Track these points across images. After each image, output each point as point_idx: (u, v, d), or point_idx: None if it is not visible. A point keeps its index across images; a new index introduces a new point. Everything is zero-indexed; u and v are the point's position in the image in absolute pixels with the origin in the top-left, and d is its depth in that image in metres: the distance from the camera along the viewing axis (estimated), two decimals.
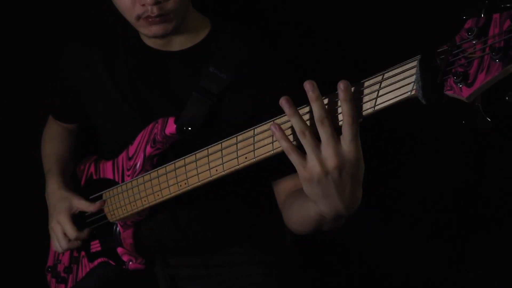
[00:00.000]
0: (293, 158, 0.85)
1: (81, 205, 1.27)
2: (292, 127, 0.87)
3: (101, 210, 1.28)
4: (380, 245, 1.62)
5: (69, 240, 1.28)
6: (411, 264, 1.61)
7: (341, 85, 0.80)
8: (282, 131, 0.85)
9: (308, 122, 0.86)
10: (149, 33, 1.10)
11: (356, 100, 0.81)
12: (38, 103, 1.48)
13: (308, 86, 0.82)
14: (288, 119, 0.85)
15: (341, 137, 0.82)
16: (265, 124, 0.91)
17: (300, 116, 0.83)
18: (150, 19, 1.07)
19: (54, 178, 1.34)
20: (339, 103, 0.82)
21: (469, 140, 1.45)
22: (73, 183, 1.37)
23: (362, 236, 1.64)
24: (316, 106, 0.81)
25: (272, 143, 0.92)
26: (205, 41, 1.20)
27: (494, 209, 1.51)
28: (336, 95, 0.83)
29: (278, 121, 0.90)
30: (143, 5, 1.05)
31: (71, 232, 1.26)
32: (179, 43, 1.20)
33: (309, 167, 0.83)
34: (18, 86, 1.61)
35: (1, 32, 1.56)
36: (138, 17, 1.08)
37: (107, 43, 1.25)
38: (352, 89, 0.81)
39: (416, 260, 1.60)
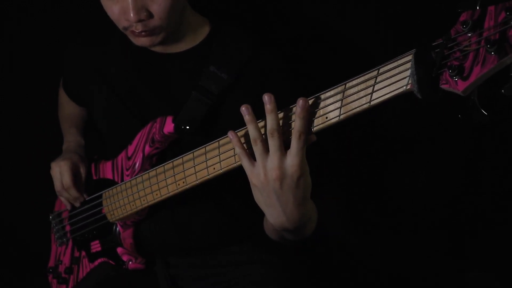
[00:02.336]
0: (244, 163, 0.91)
1: (81, 180, 1.32)
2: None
3: (100, 210, 1.28)
4: (380, 245, 1.61)
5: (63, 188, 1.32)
6: (411, 264, 1.60)
7: (300, 102, 0.84)
8: (238, 137, 0.91)
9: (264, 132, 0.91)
10: (136, 43, 1.12)
11: (309, 118, 0.86)
12: (38, 104, 1.48)
13: (266, 98, 0.87)
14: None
15: (288, 150, 0.87)
16: (261, 121, 0.91)
17: (256, 125, 0.89)
18: (135, 33, 1.08)
19: (79, 136, 1.42)
20: (293, 118, 0.87)
21: (468, 138, 1.44)
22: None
23: (362, 236, 1.64)
24: (269, 119, 0.87)
25: None
26: (205, 42, 1.20)
27: (494, 208, 1.50)
28: (293, 110, 0.88)
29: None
30: (128, 20, 1.06)
31: (68, 180, 1.29)
32: (178, 46, 1.20)
33: (255, 174, 0.89)
34: (18, 87, 1.62)
35: (2, 33, 1.56)
36: (125, 29, 1.09)
37: (105, 45, 1.26)
38: (311, 102, 0.87)
39: (416, 260, 1.59)
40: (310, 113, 0.87)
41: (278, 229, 0.98)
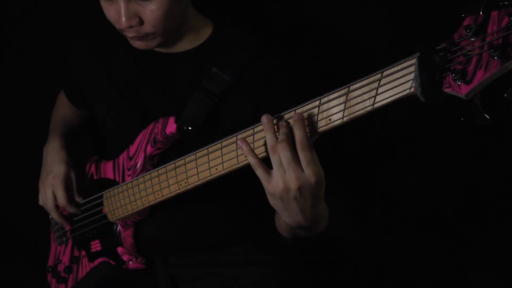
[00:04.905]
0: (259, 172, 0.91)
1: (75, 186, 1.28)
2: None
3: (101, 210, 1.28)
4: (381, 246, 1.62)
5: (56, 207, 1.29)
6: (412, 265, 1.60)
7: (295, 116, 0.88)
8: (249, 146, 0.92)
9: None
10: (133, 45, 1.13)
11: (308, 127, 0.89)
12: (39, 103, 1.48)
13: (264, 118, 0.90)
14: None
15: (301, 162, 0.88)
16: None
17: (275, 133, 0.90)
18: (129, 36, 1.09)
19: (58, 137, 1.33)
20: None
21: (469, 139, 1.45)
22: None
23: (363, 236, 1.64)
24: (280, 134, 0.89)
25: None
26: (207, 43, 1.20)
27: (495, 208, 1.51)
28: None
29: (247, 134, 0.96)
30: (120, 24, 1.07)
31: (62, 199, 1.26)
32: (181, 45, 1.20)
33: (273, 183, 0.89)
34: (19, 86, 1.62)
35: (3, 31, 1.56)
36: (121, 30, 1.10)
37: (109, 44, 1.26)
38: (314, 104, 0.88)
39: (417, 260, 1.60)
40: (308, 122, 0.88)
41: (293, 227, 0.99)
